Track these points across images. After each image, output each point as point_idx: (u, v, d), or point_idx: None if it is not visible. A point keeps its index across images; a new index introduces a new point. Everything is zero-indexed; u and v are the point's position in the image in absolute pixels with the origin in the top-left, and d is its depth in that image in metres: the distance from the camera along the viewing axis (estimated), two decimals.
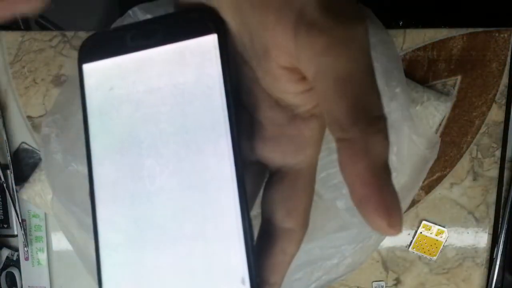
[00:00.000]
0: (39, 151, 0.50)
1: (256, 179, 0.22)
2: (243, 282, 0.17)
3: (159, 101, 0.19)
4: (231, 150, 0.18)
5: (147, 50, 0.19)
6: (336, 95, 0.16)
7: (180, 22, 0.19)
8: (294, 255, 0.20)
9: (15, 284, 0.54)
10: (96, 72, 0.20)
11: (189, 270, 0.18)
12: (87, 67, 0.20)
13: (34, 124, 0.50)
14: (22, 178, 0.50)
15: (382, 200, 0.15)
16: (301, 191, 0.20)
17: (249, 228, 0.18)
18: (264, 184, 0.22)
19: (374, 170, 0.15)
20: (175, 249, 0.18)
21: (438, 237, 0.51)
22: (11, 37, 0.47)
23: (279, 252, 0.20)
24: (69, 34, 0.47)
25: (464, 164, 0.51)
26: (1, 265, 0.54)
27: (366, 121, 0.15)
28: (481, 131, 0.50)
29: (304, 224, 0.20)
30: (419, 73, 0.49)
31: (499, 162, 0.51)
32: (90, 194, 0.20)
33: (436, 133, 0.49)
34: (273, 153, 0.21)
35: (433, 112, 0.47)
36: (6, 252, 0.54)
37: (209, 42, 0.19)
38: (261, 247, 0.20)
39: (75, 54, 0.21)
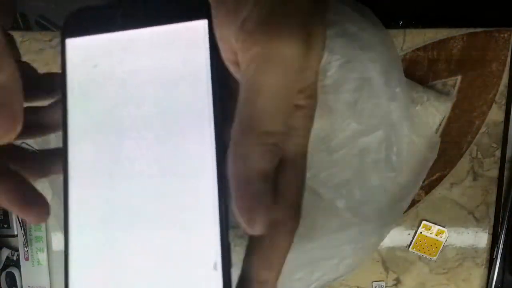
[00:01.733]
0: (39, 151, 0.50)
1: None
2: (215, 267, 0.17)
3: (144, 82, 0.19)
4: (214, 136, 0.18)
5: (136, 30, 0.19)
6: (245, 99, 0.18)
7: (172, 5, 0.19)
8: (286, 249, 0.20)
9: (15, 284, 0.54)
10: (81, 47, 0.20)
11: (162, 253, 0.18)
12: (71, 42, 0.20)
13: None
14: None
15: (246, 203, 0.17)
16: (291, 182, 0.20)
17: (226, 215, 0.18)
18: None
19: (247, 176, 0.17)
20: (148, 232, 0.18)
21: (438, 237, 0.51)
22: None
23: (270, 245, 0.19)
24: None
25: (464, 164, 0.51)
26: (1, 265, 0.54)
27: (253, 134, 0.17)
28: (481, 131, 0.50)
29: (295, 216, 0.20)
30: (419, 73, 0.49)
31: (499, 162, 0.51)
32: (63, 171, 0.19)
33: (436, 133, 0.49)
34: None
35: (433, 112, 0.47)
36: (6, 252, 0.54)
37: (200, 27, 0.19)
38: (252, 242, 0.20)
39: None
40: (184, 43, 0.19)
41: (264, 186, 0.18)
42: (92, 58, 0.19)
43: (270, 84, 0.17)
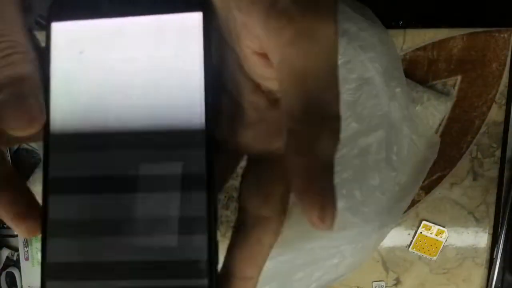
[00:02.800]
0: (39, 151, 0.50)
1: (229, 164, 0.21)
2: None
3: (133, 72, 0.18)
4: (204, 130, 0.18)
5: (127, 18, 0.19)
6: (293, 87, 0.16)
7: None
8: (271, 246, 0.19)
9: (15, 284, 0.54)
10: (67, 32, 0.19)
11: (149, 254, 0.17)
12: (57, 26, 0.19)
13: None
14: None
15: (318, 197, 0.16)
16: (279, 178, 0.19)
17: (215, 214, 0.17)
18: (234, 170, 0.22)
19: (316, 167, 0.16)
20: (136, 232, 0.18)
21: (438, 237, 0.51)
22: None
23: (255, 242, 0.19)
24: None
25: (464, 164, 0.51)
26: (1, 265, 0.54)
27: (318, 118, 0.16)
28: (481, 131, 0.50)
29: (282, 213, 0.20)
30: (419, 73, 0.49)
31: (499, 162, 0.51)
32: (44, 160, 0.18)
33: (436, 133, 0.49)
34: (254, 138, 0.20)
35: (433, 112, 0.47)
36: (6, 252, 0.54)
37: (194, 19, 0.18)
38: (236, 238, 0.19)
39: None
40: (177, 35, 0.18)
41: (332, 179, 0.16)
42: (78, 44, 0.19)
43: (317, 63, 0.16)
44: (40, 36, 0.23)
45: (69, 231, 0.18)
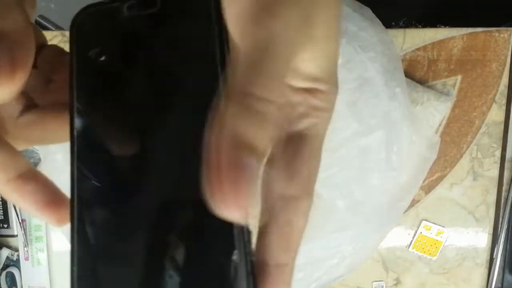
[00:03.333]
0: (39, 151, 0.50)
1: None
2: (236, 256, 0.17)
3: (156, 77, 0.19)
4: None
5: (145, 23, 0.19)
6: (234, 65, 0.15)
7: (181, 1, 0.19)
8: (302, 229, 0.18)
9: (15, 284, 0.54)
10: (89, 39, 0.20)
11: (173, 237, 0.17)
12: (80, 33, 0.20)
13: None
14: None
15: (223, 174, 0.14)
16: (305, 156, 0.19)
17: None
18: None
19: (228, 146, 0.14)
20: (161, 213, 0.18)
21: (438, 237, 0.51)
22: None
23: (285, 224, 0.18)
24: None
25: (464, 164, 0.51)
26: (1, 265, 0.54)
27: (240, 96, 0.14)
28: (481, 131, 0.50)
29: (309, 193, 0.19)
30: (419, 73, 0.49)
31: (499, 162, 0.51)
32: (71, 169, 0.19)
33: (436, 133, 0.49)
34: (281, 122, 0.20)
35: (433, 112, 0.47)
36: (6, 252, 0.54)
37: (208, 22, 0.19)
38: (265, 223, 0.18)
39: None
40: (193, 40, 0.19)
41: (258, 164, 0.14)
42: (101, 50, 0.19)
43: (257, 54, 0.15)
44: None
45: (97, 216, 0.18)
